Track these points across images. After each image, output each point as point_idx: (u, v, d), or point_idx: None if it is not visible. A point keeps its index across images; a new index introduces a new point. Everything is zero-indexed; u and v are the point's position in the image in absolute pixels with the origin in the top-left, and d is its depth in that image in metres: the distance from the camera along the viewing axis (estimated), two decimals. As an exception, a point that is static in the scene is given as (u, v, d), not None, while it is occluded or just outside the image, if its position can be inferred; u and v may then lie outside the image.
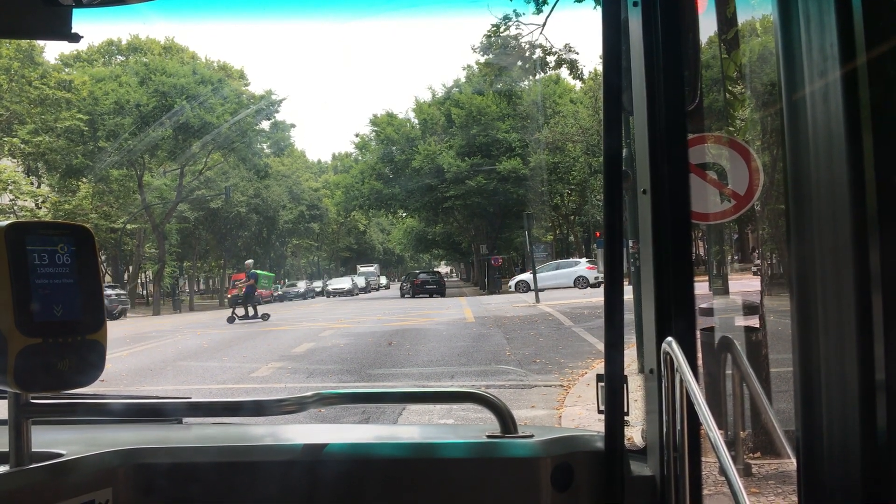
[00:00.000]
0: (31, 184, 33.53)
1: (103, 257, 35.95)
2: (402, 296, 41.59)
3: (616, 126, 1.66)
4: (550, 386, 9.54)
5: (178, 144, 38.16)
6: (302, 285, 53.20)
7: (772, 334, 5.18)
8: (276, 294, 47.15)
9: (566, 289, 32.47)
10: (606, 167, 1.66)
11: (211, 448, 1.71)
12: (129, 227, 36.85)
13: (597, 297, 23.00)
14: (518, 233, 42.55)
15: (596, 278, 32.36)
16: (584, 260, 37.71)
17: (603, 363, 1.69)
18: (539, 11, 13.04)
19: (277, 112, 45.53)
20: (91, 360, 1.43)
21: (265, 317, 24.63)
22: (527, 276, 33.07)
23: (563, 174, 38.31)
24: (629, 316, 2.88)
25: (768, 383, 5.12)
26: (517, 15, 14.30)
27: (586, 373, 10.08)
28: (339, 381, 10.90)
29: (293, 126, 56.90)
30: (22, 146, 30.93)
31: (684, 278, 1.62)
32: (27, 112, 30.56)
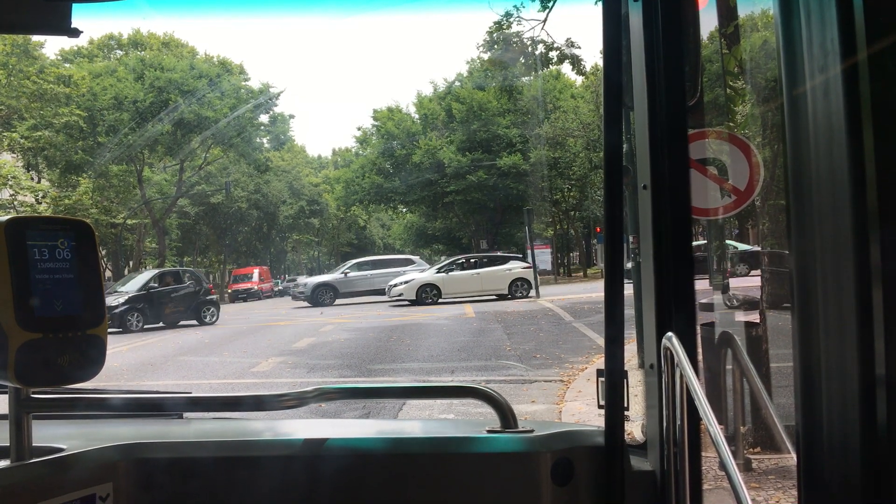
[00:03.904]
0: (31, 179, 33.51)
1: (103, 252, 35.94)
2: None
3: (616, 121, 1.66)
4: (550, 381, 9.55)
5: (177, 140, 38.11)
6: (302, 280, 53.15)
7: (772, 329, 5.19)
8: (276, 290, 47.18)
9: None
10: (607, 162, 1.66)
11: (211, 443, 1.71)
12: (129, 222, 36.83)
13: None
14: (518, 228, 42.53)
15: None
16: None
17: (603, 358, 1.70)
18: (544, 8, 13.05)
19: (276, 105, 45.45)
20: (91, 355, 1.43)
21: None
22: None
23: (564, 169, 38.25)
24: (629, 311, 2.89)
25: (768, 378, 5.12)
26: (518, 10, 14.30)
27: (586, 368, 10.09)
28: (340, 375, 10.91)
29: (292, 117, 56.89)
30: (22, 141, 30.91)
31: (684, 273, 1.62)
32: (25, 107, 30.53)
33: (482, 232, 46.31)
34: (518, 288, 26.83)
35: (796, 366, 1.28)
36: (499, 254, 33.78)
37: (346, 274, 30.00)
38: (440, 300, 25.99)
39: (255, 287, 43.43)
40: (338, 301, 28.66)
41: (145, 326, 21.06)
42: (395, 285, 26.61)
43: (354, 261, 33.03)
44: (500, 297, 26.25)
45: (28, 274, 1.34)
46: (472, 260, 28.95)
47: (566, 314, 18.15)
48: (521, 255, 33.59)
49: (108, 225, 35.18)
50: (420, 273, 27.87)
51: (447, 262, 29.04)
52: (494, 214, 44.85)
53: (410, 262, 31.75)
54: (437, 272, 27.45)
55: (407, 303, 25.90)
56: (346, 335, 16.27)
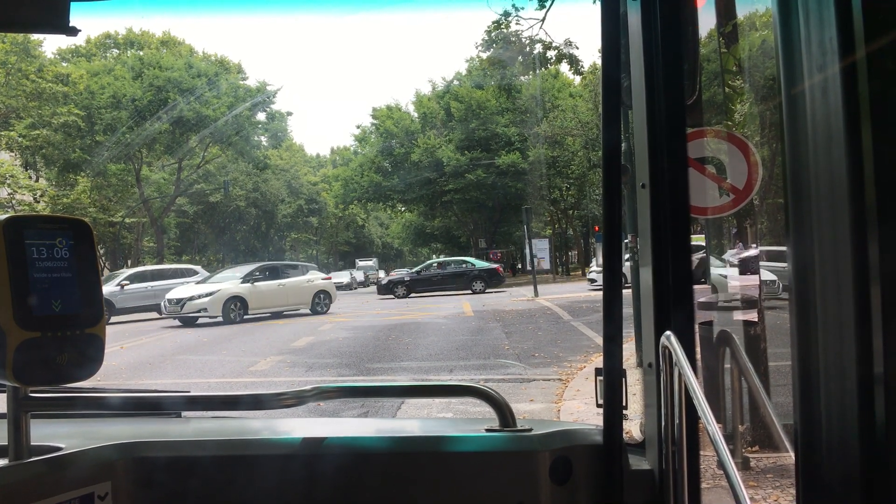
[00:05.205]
0: (30, 178, 33.47)
1: (102, 251, 35.93)
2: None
3: (615, 120, 1.66)
4: (549, 380, 9.55)
5: (176, 139, 38.12)
6: (298, 279, 52.84)
7: (770, 328, 5.19)
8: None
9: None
10: (605, 161, 1.66)
11: (210, 442, 1.71)
12: (127, 221, 36.82)
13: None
14: (517, 227, 42.58)
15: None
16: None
17: (601, 357, 1.70)
18: (542, 6, 13.05)
19: (273, 102, 45.42)
20: (90, 354, 1.43)
21: None
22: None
23: (562, 168, 38.28)
24: (628, 310, 2.88)
25: (767, 377, 5.12)
26: (517, 10, 14.29)
27: (585, 367, 10.09)
28: (338, 374, 10.90)
29: (290, 114, 56.81)
30: (20, 140, 30.88)
31: (683, 272, 1.62)
32: (23, 106, 30.50)
33: (480, 231, 46.35)
34: (320, 302, 22.62)
35: (795, 364, 1.28)
36: (287, 262, 27.90)
37: (122, 286, 24.92)
38: (245, 317, 21.17)
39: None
40: (112, 318, 22.89)
41: None
42: (192, 298, 20.85)
43: (130, 271, 27.53)
44: (274, 314, 22.05)
45: (26, 273, 1.34)
46: (268, 272, 23.30)
47: (565, 313, 18.15)
48: (316, 265, 29.12)
49: (107, 224, 35.16)
50: (224, 284, 22.07)
51: (251, 269, 23.41)
52: (493, 213, 44.89)
53: (193, 272, 27.05)
54: (243, 282, 21.89)
55: (179, 324, 20.52)
56: (344, 334, 16.27)
